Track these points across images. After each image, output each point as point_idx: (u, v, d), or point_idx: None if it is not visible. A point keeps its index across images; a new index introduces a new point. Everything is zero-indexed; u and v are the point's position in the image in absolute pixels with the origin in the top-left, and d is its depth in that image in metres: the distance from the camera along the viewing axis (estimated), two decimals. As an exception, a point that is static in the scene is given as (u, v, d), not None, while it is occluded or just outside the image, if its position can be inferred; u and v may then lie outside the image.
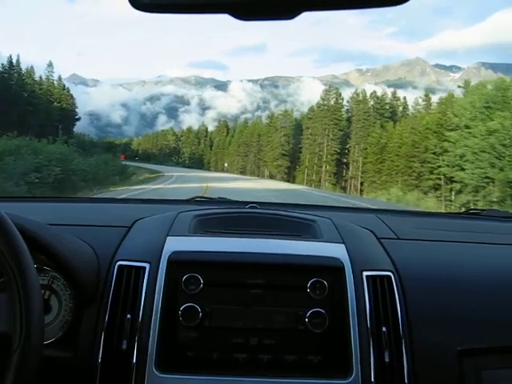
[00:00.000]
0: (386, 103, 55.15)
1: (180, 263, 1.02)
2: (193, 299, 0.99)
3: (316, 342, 0.98)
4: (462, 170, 27.95)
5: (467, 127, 28.42)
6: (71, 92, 64.47)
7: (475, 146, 26.36)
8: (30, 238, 0.88)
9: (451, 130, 31.28)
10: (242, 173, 65.57)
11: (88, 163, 23.65)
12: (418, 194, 28.86)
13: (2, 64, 47.53)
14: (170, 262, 1.03)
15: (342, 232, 1.19)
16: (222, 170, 71.74)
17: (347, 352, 0.96)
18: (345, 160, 54.53)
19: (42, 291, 0.99)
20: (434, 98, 52.03)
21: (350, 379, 0.94)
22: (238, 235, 1.15)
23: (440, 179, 34.77)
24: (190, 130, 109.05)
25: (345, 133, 54.35)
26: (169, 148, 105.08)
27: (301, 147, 58.82)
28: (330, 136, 54.26)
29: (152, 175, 38.52)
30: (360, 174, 49.96)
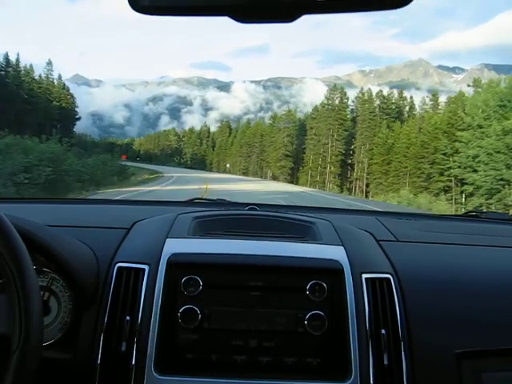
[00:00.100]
0: (393, 103, 53.83)
1: (179, 265, 1.03)
2: (192, 301, 0.99)
3: (315, 344, 0.98)
4: (475, 171, 26.82)
5: (480, 127, 27.31)
6: (74, 92, 63.89)
7: (489, 147, 25.29)
8: (29, 239, 0.88)
9: (462, 129, 30.21)
10: (244, 174, 64.74)
11: (82, 163, 22.82)
12: (430, 196, 27.66)
13: (-1, 62, 46.59)
14: (169, 263, 1.03)
15: (342, 234, 1.19)
16: (224, 171, 70.85)
17: (346, 354, 0.96)
18: (350, 161, 53.57)
19: (42, 293, 0.99)
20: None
21: (349, 382, 0.94)
22: (238, 237, 1.14)
23: (450, 181, 33.74)
24: (192, 130, 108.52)
25: (350, 133, 53.26)
26: (171, 148, 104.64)
27: (304, 148, 57.81)
28: (335, 136, 53.16)
29: (151, 176, 37.81)
30: (365, 175, 48.92)
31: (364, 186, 48.26)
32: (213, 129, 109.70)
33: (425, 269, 1.15)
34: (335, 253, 1.09)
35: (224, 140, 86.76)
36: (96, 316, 1.00)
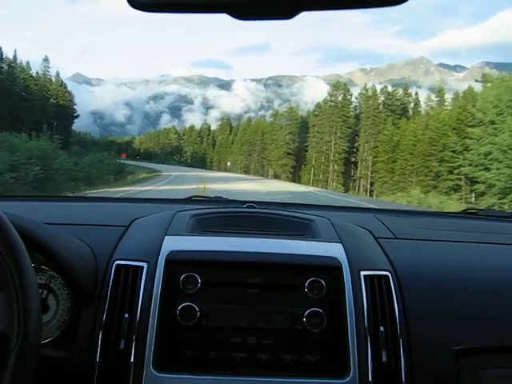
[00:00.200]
0: (397, 99, 52.44)
1: (178, 262, 1.03)
2: (191, 298, 1.00)
3: (314, 341, 0.99)
4: (487, 169, 25.49)
5: (493, 122, 26.00)
6: (75, 91, 62.92)
7: (504, 143, 24.00)
8: (27, 237, 0.89)
9: (473, 125, 28.93)
10: (245, 172, 63.58)
11: (74, 162, 21.88)
12: (441, 196, 26.44)
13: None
14: (167, 261, 1.03)
15: (340, 231, 1.19)
16: (225, 170, 69.61)
17: (345, 351, 0.97)
18: (353, 159, 52.14)
19: (40, 290, 1.00)
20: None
21: (348, 379, 0.94)
22: (236, 235, 1.15)
23: (460, 180, 32.48)
24: (192, 128, 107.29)
25: (353, 130, 51.79)
26: (171, 147, 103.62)
27: (307, 146, 56.34)
28: (338, 134, 51.65)
29: (148, 175, 36.86)
30: (370, 173, 47.54)
31: (368, 185, 47.02)
32: (213, 127, 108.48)
33: (423, 266, 1.15)
34: (334, 250, 1.09)
35: (225, 138, 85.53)
36: (94, 314, 1.00)
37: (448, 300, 1.05)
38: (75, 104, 60.76)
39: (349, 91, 54.58)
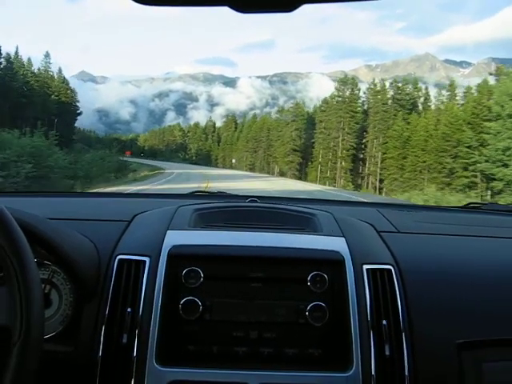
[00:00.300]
0: (407, 94, 50.86)
1: (180, 257, 1.03)
2: (193, 293, 1.00)
3: (316, 335, 0.99)
4: (506, 165, 24.22)
5: (511, 116, 24.64)
6: (80, 88, 61.98)
7: (524, 138, 22.65)
8: (30, 232, 0.89)
9: (490, 120, 27.56)
10: (250, 169, 62.42)
11: (70, 159, 20.87)
12: (459, 194, 25.08)
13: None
14: (170, 255, 1.04)
15: (342, 225, 1.19)
16: (230, 167, 68.45)
17: (347, 345, 0.97)
18: (361, 155, 50.69)
19: (43, 285, 1.00)
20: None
21: (351, 372, 0.94)
22: (238, 229, 1.15)
23: (476, 176, 31.04)
24: (197, 125, 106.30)
25: (361, 126, 50.25)
26: (175, 144, 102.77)
27: (313, 142, 54.82)
28: (346, 129, 50.17)
29: (150, 172, 35.92)
30: (379, 170, 46.07)
31: (377, 182, 45.60)
32: (218, 124, 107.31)
33: (426, 260, 1.15)
34: (336, 244, 1.09)
35: (230, 135, 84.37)
36: (97, 308, 1.00)
37: (450, 293, 1.05)
38: (78, 101, 59.70)
39: (357, 86, 53.11)
